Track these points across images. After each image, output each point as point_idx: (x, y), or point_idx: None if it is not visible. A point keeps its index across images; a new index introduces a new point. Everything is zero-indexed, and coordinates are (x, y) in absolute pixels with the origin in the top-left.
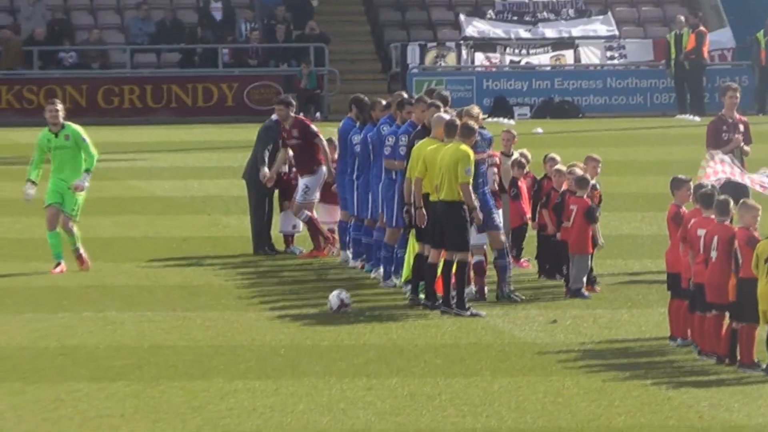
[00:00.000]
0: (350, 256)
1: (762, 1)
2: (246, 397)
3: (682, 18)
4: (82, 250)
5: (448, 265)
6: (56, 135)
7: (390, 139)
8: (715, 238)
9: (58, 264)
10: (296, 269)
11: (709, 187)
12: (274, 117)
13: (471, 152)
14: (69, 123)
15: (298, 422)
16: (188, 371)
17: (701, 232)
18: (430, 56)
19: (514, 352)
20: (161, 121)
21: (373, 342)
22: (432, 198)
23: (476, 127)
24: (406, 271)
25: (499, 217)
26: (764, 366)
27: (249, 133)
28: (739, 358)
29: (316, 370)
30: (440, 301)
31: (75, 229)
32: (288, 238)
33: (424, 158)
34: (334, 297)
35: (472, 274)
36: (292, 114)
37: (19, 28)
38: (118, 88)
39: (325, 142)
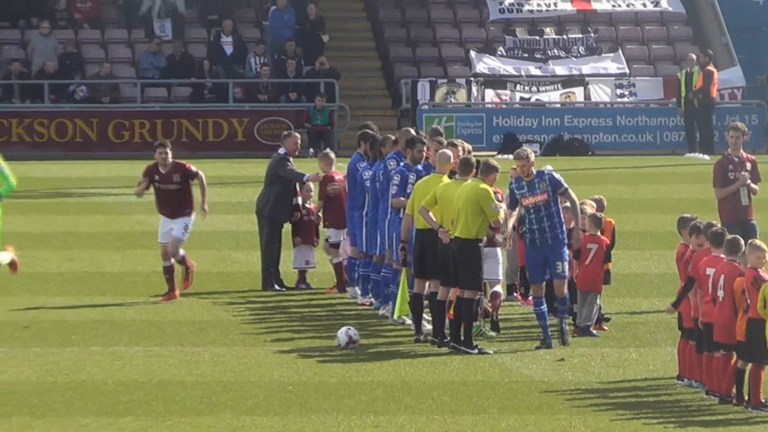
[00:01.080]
0: (359, 292)
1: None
2: None
3: (693, 56)
4: None
5: (460, 302)
6: None
7: (397, 177)
8: (722, 277)
9: None
10: (305, 305)
11: (719, 225)
12: (281, 151)
13: (491, 190)
14: None
15: None
16: (196, 407)
17: (710, 271)
18: (440, 92)
19: (521, 390)
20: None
21: (381, 379)
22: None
23: (498, 166)
24: (399, 307)
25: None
26: None
27: (259, 168)
28: (747, 398)
29: (324, 407)
30: (448, 339)
31: None
32: (302, 274)
33: (434, 193)
34: (342, 333)
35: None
36: (170, 159)
37: (30, 62)
38: (129, 122)
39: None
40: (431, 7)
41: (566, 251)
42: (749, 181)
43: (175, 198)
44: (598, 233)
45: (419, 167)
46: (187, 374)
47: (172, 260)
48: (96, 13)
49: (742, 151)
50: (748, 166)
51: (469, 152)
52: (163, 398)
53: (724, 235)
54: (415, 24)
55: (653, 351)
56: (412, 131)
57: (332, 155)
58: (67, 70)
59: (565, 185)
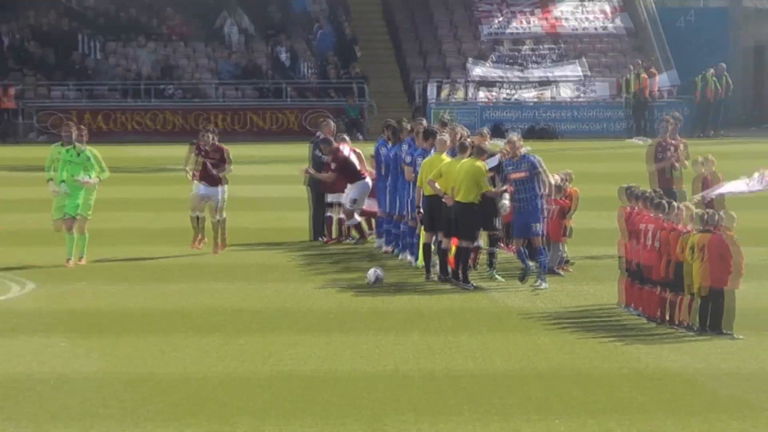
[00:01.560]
0: (383, 242)
1: (700, 50)
2: (305, 348)
3: (639, 62)
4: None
5: (459, 250)
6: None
7: (408, 158)
8: (651, 230)
9: None
10: (343, 252)
11: (652, 192)
12: (318, 134)
13: (484, 167)
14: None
15: (345, 366)
16: (262, 328)
17: (642, 226)
18: (444, 92)
19: (504, 315)
20: (243, 140)
21: (400, 307)
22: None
23: (488, 148)
24: (421, 257)
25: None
26: (695, 328)
27: (306, 149)
28: (668, 318)
29: (358, 328)
30: (451, 275)
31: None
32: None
33: (440, 169)
34: (371, 272)
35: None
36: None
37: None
38: (210, 115)
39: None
40: (438, 26)
41: (540, 216)
42: (676, 162)
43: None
44: (559, 198)
45: (430, 151)
46: (255, 303)
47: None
48: (184, 29)
49: (677, 135)
50: (682, 147)
51: (464, 137)
52: (238, 321)
53: (655, 199)
54: (425, 40)
55: (604, 286)
56: (424, 122)
57: (346, 138)
58: (162, 75)
59: (540, 169)
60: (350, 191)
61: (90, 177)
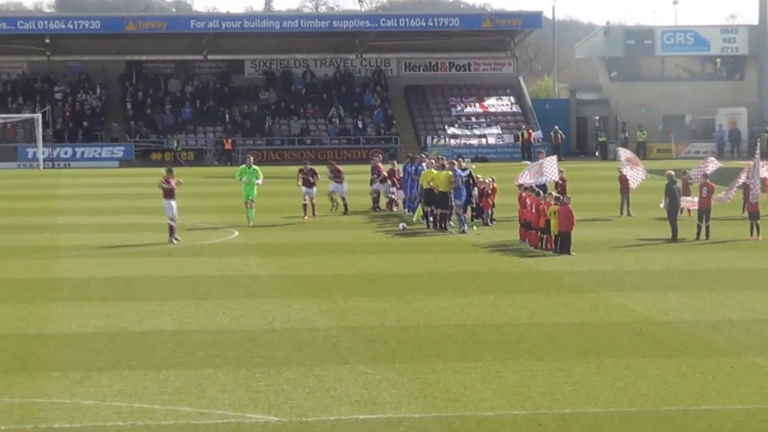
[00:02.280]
0: (406, 211)
1: (550, 122)
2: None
3: (525, 126)
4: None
5: (442, 215)
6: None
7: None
8: (533, 204)
9: None
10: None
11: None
12: (373, 159)
13: (451, 175)
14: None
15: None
16: (291, 291)
17: (529, 202)
18: (435, 140)
19: (459, 246)
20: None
21: (415, 270)
22: (435, 190)
23: (455, 167)
24: (417, 214)
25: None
26: (554, 250)
27: (367, 167)
28: (544, 246)
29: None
30: (438, 227)
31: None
32: (374, 199)
33: (432, 175)
34: (401, 225)
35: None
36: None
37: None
38: (324, 152)
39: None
40: (432, 109)
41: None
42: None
43: None
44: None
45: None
46: (305, 270)
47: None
48: (314, 114)
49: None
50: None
51: (443, 160)
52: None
53: (536, 190)
54: (426, 116)
55: (511, 231)
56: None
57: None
58: (302, 133)
59: (470, 178)
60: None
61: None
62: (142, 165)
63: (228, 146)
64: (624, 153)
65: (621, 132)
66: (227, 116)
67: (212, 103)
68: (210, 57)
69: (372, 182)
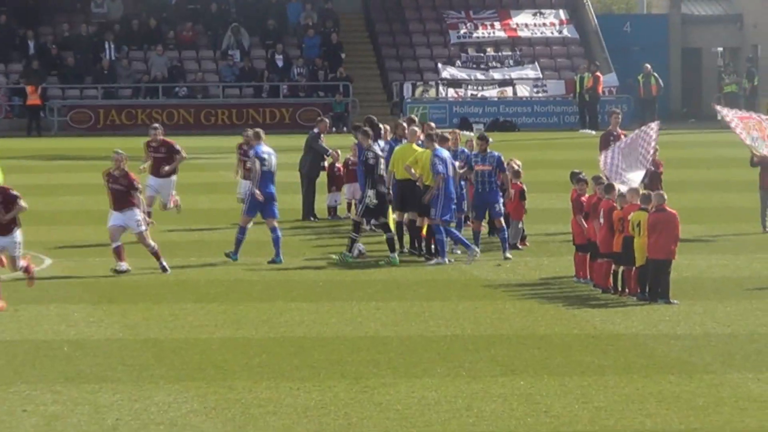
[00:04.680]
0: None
1: (635, 57)
2: (296, 314)
3: (585, 65)
4: None
5: (430, 227)
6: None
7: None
8: (602, 210)
9: None
10: (330, 231)
11: (603, 177)
12: (315, 130)
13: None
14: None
15: (331, 330)
16: (258, 296)
17: (593, 206)
18: (418, 91)
19: (472, 285)
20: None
21: (380, 278)
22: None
23: (449, 137)
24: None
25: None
26: (640, 294)
27: (299, 141)
28: (620, 289)
29: (343, 296)
30: (425, 249)
31: None
32: (330, 210)
33: (415, 156)
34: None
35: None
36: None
37: (150, 71)
38: (214, 111)
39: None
40: (413, 34)
41: (499, 199)
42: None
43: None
44: (518, 182)
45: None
46: (252, 275)
47: None
48: (193, 39)
49: (618, 128)
50: (622, 137)
51: (432, 129)
52: (237, 290)
53: (604, 183)
54: (402, 46)
55: (559, 259)
56: (403, 122)
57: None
58: (173, 77)
59: (503, 164)
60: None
61: None
62: None
63: (33, 99)
64: (728, 114)
65: (747, 76)
66: (30, 45)
67: (2, 21)
68: None
69: (305, 169)
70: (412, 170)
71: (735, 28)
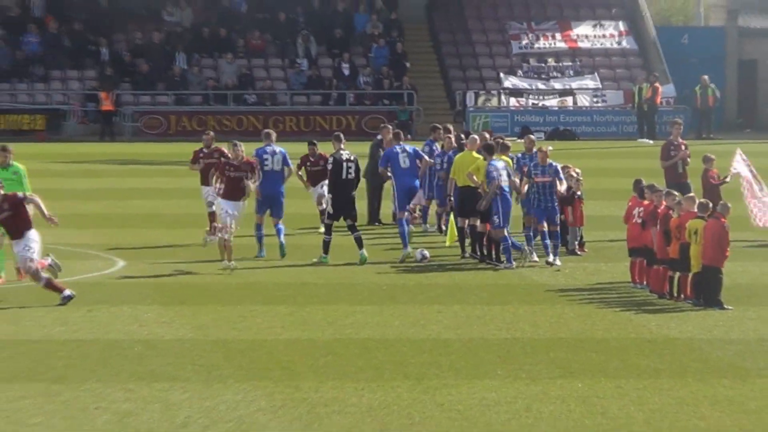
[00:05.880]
0: (428, 227)
1: (693, 68)
2: (360, 316)
3: (644, 77)
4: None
5: (489, 233)
6: None
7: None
8: (659, 216)
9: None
10: (394, 235)
11: (664, 186)
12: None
13: (510, 162)
14: None
15: (394, 332)
16: (324, 299)
17: (653, 214)
18: (480, 100)
19: (532, 289)
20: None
21: (442, 282)
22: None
23: (510, 145)
24: (449, 237)
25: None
26: (695, 300)
27: (365, 147)
28: (676, 294)
29: (405, 300)
30: (486, 255)
31: None
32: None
33: (477, 164)
34: (418, 252)
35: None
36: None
37: (219, 78)
38: (282, 118)
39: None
40: (475, 45)
41: (558, 208)
42: (688, 158)
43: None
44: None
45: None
46: (318, 278)
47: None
48: (262, 48)
49: (679, 137)
50: (683, 147)
51: (492, 138)
52: (301, 294)
53: (666, 191)
54: (465, 56)
55: (617, 265)
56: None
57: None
58: (243, 84)
59: (563, 176)
60: None
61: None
62: None
63: (107, 105)
64: (738, 161)
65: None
66: (105, 53)
67: (78, 27)
68: None
69: (370, 175)
70: (474, 177)
71: None
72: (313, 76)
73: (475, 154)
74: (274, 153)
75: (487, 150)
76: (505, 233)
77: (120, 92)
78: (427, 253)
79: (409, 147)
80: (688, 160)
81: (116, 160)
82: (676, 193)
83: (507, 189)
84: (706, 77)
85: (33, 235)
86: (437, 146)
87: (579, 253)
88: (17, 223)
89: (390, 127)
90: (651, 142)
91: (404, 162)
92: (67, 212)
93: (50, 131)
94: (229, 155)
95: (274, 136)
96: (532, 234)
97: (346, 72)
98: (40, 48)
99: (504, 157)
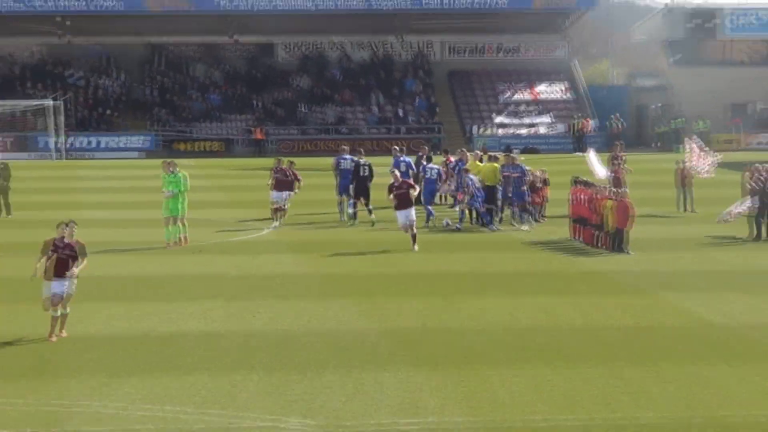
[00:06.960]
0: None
1: (607, 110)
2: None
3: (578, 115)
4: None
5: (488, 210)
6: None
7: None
8: (586, 198)
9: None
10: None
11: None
12: (419, 153)
13: (497, 167)
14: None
15: (453, 323)
16: (352, 290)
17: (582, 196)
18: (481, 130)
19: (514, 242)
20: (380, 155)
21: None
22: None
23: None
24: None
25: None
26: (610, 249)
27: (412, 158)
28: (599, 245)
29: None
30: (480, 222)
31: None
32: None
33: (477, 169)
34: (444, 221)
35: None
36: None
37: (325, 118)
38: (363, 142)
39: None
40: (477, 97)
41: (524, 194)
42: (626, 167)
43: None
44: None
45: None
46: (342, 269)
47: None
48: (350, 100)
49: (617, 151)
50: (622, 157)
51: (486, 153)
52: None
53: (591, 184)
54: (471, 103)
55: (562, 227)
56: (465, 150)
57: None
58: (339, 122)
59: (527, 173)
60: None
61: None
62: (167, 156)
63: (258, 135)
64: (690, 144)
65: (671, 121)
66: (257, 103)
67: (241, 89)
68: (239, 39)
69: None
70: (470, 174)
71: (666, 92)
72: (381, 117)
73: (477, 162)
74: (352, 160)
75: (491, 160)
76: (484, 210)
77: (266, 127)
78: (449, 220)
79: (432, 164)
80: (625, 166)
81: (265, 167)
82: (601, 186)
83: (479, 186)
84: (616, 114)
85: (74, 279)
86: (452, 158)
87: (541, 221)
88: (68, 266)
89: (426, 147)
90: (582, 154)
91: (430, 173)
92: (237, 199)
93: (226, 151)
94: (299, 176)
95: (348, 150)
96: (514, 210)
97: (401, 113)
98: (220, 102)
99: (495, 165)
